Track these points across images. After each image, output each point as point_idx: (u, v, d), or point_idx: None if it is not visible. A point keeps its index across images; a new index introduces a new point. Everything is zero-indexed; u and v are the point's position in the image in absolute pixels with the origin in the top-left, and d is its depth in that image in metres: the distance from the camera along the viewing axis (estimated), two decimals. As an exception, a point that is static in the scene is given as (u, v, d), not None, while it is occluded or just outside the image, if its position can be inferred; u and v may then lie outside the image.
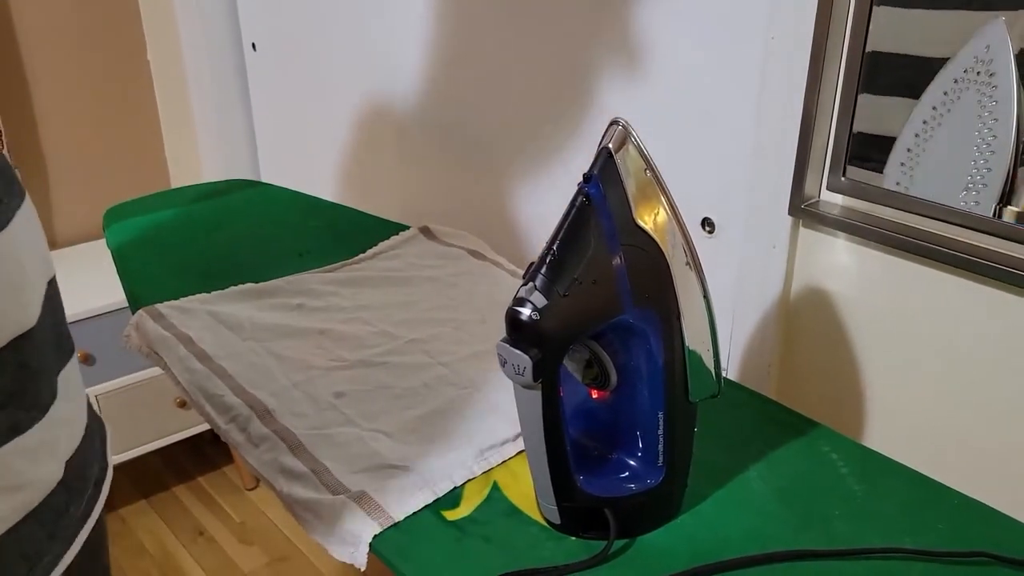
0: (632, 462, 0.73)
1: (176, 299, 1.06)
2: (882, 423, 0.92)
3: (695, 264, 0.66)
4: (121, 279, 1.15)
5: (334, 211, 1.40)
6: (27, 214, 0.56)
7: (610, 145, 0.64)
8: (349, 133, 1.67)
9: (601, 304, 0.65)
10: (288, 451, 0.81)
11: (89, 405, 0.70)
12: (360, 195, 1.66)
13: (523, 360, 0.63)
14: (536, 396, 0.66)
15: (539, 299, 0.63)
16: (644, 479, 0.72)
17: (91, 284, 1.82)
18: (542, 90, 1.21)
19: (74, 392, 0.63)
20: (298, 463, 0.79)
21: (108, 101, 2.14)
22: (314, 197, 1.43)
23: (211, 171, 2.05)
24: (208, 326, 1.01)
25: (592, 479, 0.71)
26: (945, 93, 0.80)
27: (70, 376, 0.62)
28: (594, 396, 0.73)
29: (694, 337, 0.68)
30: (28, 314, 0.54)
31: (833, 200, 0.89)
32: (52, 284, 0.60)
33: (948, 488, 0.77)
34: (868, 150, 0.85)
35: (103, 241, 1.25)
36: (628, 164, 0.64)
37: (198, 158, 2.08)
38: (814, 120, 0.86)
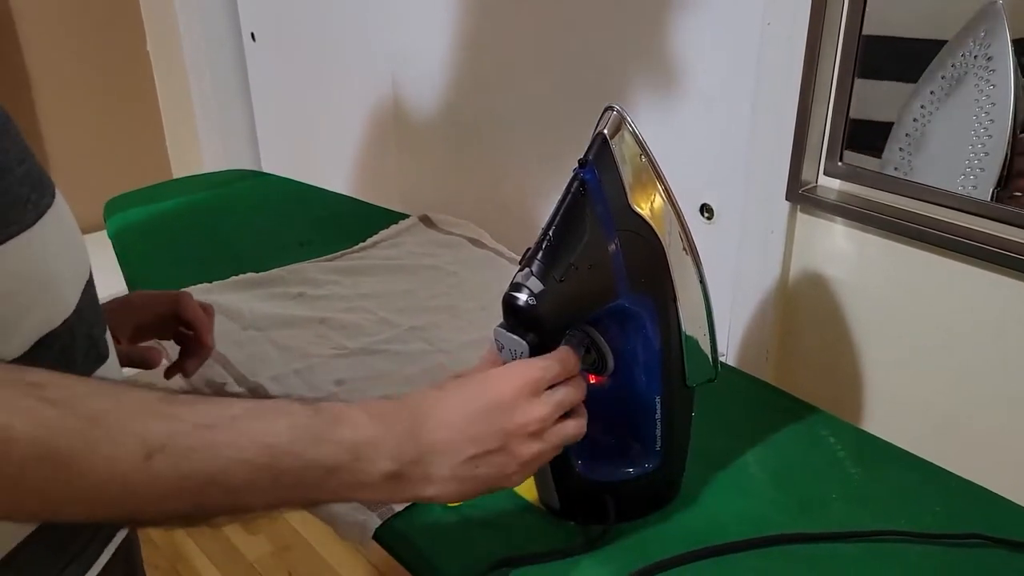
0: (630, 447, 0.73)
1: (177, 288, 1.07)
2: (880, 407, 0.93)
3: (691, 249, 0.66)
4: (122, 270, 1.16)
5: (334, 200, 1.41)
6: (59, 213, 0.53)
7: (605, 131, 0.64)
8: (349, 122, 1.67)
9: (597, 289, 0.65)
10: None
11: None
12: (360, 184, 1.66)
13: (520, 345, 0.64)
14: None
15: (535, 284, 0.63)
16: (642, 464, 0.72)
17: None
18: (542, 78, 1.21)
19: None
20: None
21: (108, 92, 2.15)
22: (314, 187, 1.43)
23: (212, 161, 2.05)
24: (209, 316, 1.02)
25: (590, 464, 0.71)
26: (943, 77, 0.80)
27: None
28: (591, 382, 0.73)
29: (690, 322, 0.68)
30: (55, 312, 0.52)
31: (830, 185, 0.89)
32: (89, 287, 0.57)
33: (945, 471, 0.77)
34: (865, 135, 0.85)
35: (104, 232, 1.25)
36: (623, 150, 0.64)
37: (199, 148, 2.09)
38: (811, 105, 0.86)
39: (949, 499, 0.74)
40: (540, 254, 0.64)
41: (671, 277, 0.66)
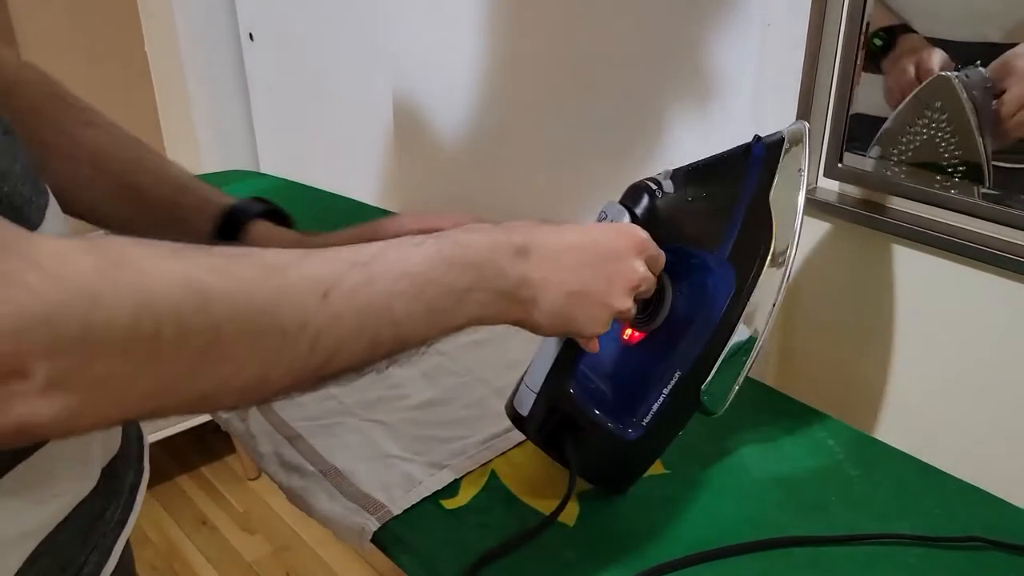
0: (622, 408, 0.72)
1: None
2: (881, 410, 0.93)
3: (786, 272, 0.68)
4: (120, 271, 1.15)
5: (332, 201, 1.40)
6: (56, 211, 0.53)
7: (786, 133, 0.69)
8: (347, 123, 1.66)
9: (707, 230, 0.69)
10: (287, 442, 0.81)
11: None
12: (359, 186, 1.66)
13: (620, 218, 0.66)
14: None
15: (669, 186, 0.67)
16: (624, 426, 0.71)
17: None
18: (542, 80, 1.21)
19: None
20: (297, 455, 0.79)
21: (105, 93, 2.13)
22: (312, 187, 1.43)
23: (209, 162, 2.05)
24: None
25: (582, 396, 0.70)
26: (904, 138, 0.82)
27: None
28: (625, 336, 0.73)
29: (740, 337, 0.69)
30: None
31: (830, 187, 0.89)
32: None
33: (944, 473, 0.77)
34: (865, 135, 0.85)
35: (101, 233, 1.25)
36: (790, 157, 0.68)
37: (196, 149, 2.08)
38: (811, 107, 0.86)
39: (948, 501, 0.74)
40: (686, 171, 0.68)
41: (757, 277, 0.68)
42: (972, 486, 0.75)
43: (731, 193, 0.68)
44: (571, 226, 0.61)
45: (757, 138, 0.69)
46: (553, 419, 0.70)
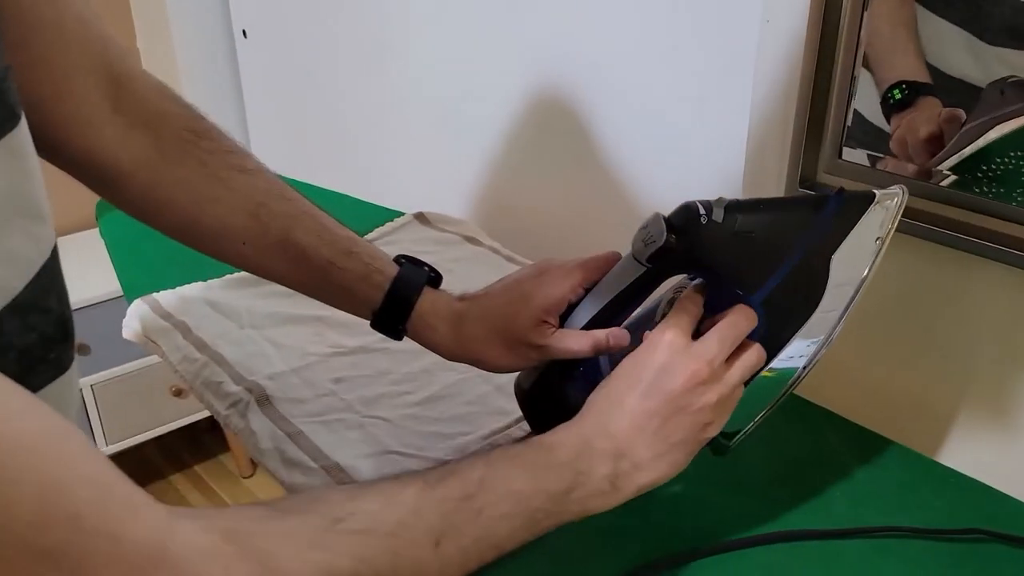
0: None
1: (173, 288, 1.06)
2: (881, 405, 0.93)
3: (826, 341, 0.64)
4: (116, 269, 1.15)
5: (327, 198, 1.40)
6: (74, 370, 0.53)
7: (877, 193, 0.64)
8: (342, 120, 1.66)
9: (747, 269, 0.64)
10: (288, 439, 0.81)
11: None
12: (355, 183, 1.66)
13: (659, 235, 0.62)
14: (631, 273, 0.66)
15: (719, 214, 0.63)
16: None
17: (86, 274, 1.82)
18: (537, 76, 1.21)
19: None
20: (298, 451, 0.79)
21: (98, 90, 2.13)
22: (308, 184, 1.42)
23: (203, 159, 2.04)
24: (206, 314, 1.01)
25: (576, 385, 0.69)
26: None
27: None
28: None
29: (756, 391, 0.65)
30: None
31: (831, 183, 0.89)
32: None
33: (946, 467, 0.77)
34: (866, 133, 0.85)
35: (96, 230, 1.24)
36: (871, 221, 0.63)
37: (190, 146, 2.07)
38: (808, 103, 0.86)
39: (949, 495, 0.74)
40: (746, 203, 0.64)
41: (791, 334, 0.64)
42: (973, 479, 0.75)
43: (785, 240, 0.63)
44: (613, 378, 0.60)
45: (840, 190, 0.64)
46: (542, 397, 0.71)
